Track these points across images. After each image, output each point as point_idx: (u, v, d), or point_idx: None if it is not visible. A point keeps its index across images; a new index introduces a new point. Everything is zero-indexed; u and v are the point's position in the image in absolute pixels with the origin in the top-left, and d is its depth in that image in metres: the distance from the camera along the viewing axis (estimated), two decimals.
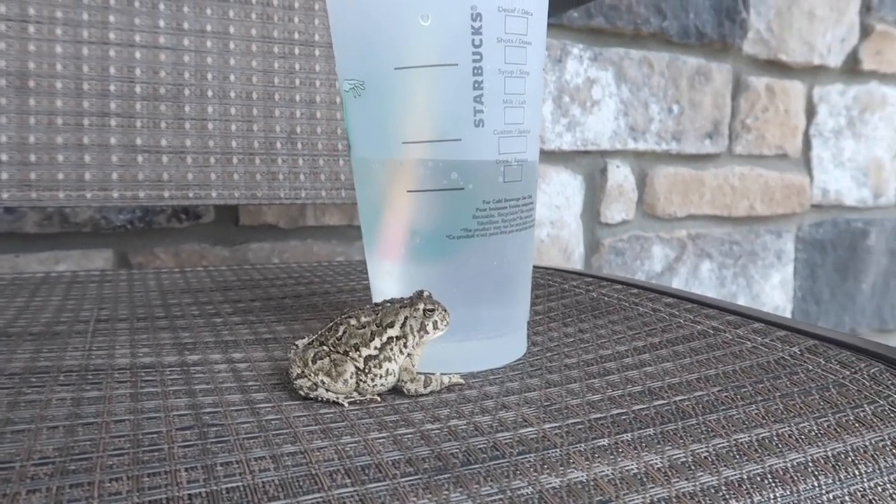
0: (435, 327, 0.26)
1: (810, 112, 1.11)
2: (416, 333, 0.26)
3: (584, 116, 0.94)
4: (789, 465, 0.21)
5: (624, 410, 0.24)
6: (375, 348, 0.25)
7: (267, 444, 0.21)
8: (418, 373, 0.26)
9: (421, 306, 0.26)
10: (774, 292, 1.12)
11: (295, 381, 0.25)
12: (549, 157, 0.93)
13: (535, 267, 0.50)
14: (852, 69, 1.13)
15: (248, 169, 0.58)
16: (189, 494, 0.18)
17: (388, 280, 0.30)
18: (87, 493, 0.18)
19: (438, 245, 0.28)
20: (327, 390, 0.25)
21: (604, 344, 0.32)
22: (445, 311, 0.26)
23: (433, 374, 0.26)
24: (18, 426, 0.22)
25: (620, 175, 0.98)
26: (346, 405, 0.25)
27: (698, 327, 0.33)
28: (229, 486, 0.19)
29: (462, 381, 0.27)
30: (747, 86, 1.05)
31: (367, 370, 0.25)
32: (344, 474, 0.20)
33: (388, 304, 0.26)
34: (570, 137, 0.93)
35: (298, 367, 0.25)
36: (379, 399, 0.25)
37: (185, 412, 0.24)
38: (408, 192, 0.28)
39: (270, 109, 0.59)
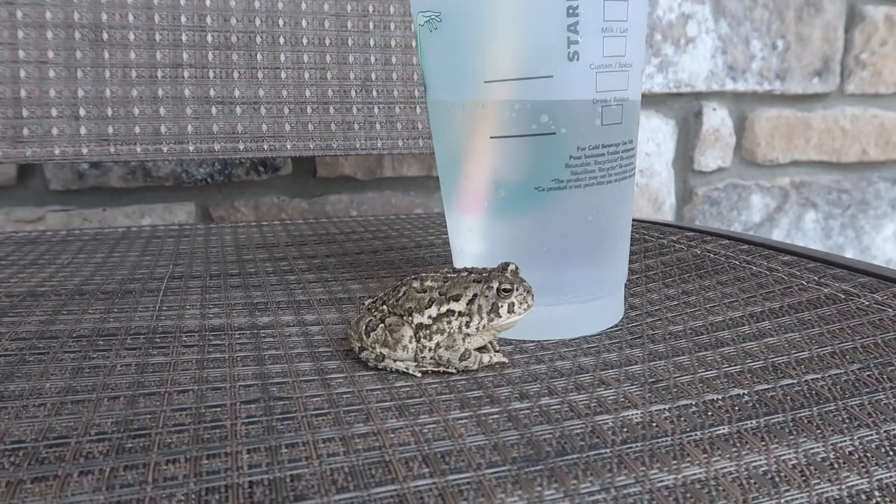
0: (510, 311, 0.22)
1: None
2: (484, 315, 0.22)
3: (677, 55, 0.87)
4: None
5: (745, 391, 0.21)
6: (430, 317, 0.22)
7: (337, 422, 0.19)
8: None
9: (495, 285, 0.22)
10: (887, 244, 1.03)
11: (360, 356, 0.23)
12: None
13: None
14: None
15: (323, 119, 0.56)
16: (250, 482, 0.16)
17: (469, 238, 0.27)
18: (141, 477, 0.16)
19: (526, 198, 0.25)
20: (395, 360, 0.22)
21: (713, 309, 0.28)
22: (528, 292, 0.23)
23: (475, 352, 0.23)
24: (79, 395, 0.21)
25: (717, 118, 0.91)
26: (419, 375, 0.22)
27: (825, 290, 0.29)
28: (294, 472, 0.17)
29: (506, 360, 0.24)
30: (863, 16, 0.94)
31: (417, 338, 0.22)
32: (421, 462, 0.17)
33: (464, 274, 0.23)
34: (661, 79, 0.87)
35: (356, 341, 0.23)
36: (455, 372, 0.23)
37: (252, 382, 0.22)
38: (491, 138, 0.25)
39: (344, 56, 0.56)
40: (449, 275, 0.24)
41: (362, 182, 0.78)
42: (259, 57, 0.54)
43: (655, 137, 0.89)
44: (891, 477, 0.17)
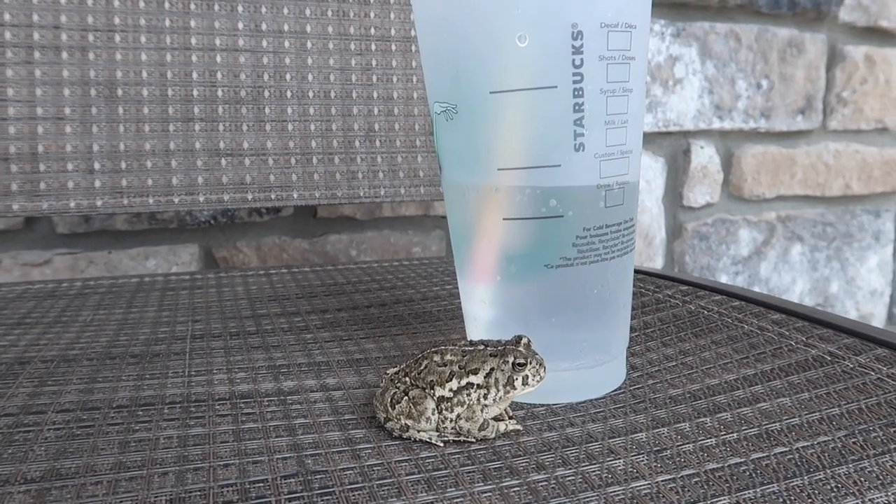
0: (524, 383, 0.24)
1: None
2: (500, 387, 0.24)
3: (665, 96, 0.90)
4: None
5: (742, 460, 0.23)
6: (451, 390, 0.24)
7: (372, 497, 0.21)
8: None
9: (510, 359, 0.24)
10: (871, 275, 1.06)
11: (385, 426, 0.25)
12: None
13: None
14: None
15: (328, 169, 0.58)
16: None
17: (481, 306, 0.29)
18: None
19: (536, 274, 0.27)
20: (418, 431, 0.24)
21: (710, 371, 0.30)
22: (541, 365, 0.24)
23: (492, 422, 0.25)
24: (131, 472, 0.22)
25: (705, 156, 0.94)
26: (441, 445, 0.24)
27: (812, 352, 0.31)
28: None
29: (520, 427, 0.25)
30: (844, 56, 0.98)
31: (439, 410, 0.24)
32: None
33: (481, 348, 0.25)
34: (650, 118, 0.90)
35: (382, 412, 0.25)
36: (474, 441, 0.25)
37: (288, 455, 0.24)
38: (504, 219, 0.27)
39: (348, 108, 0.59)
40: (466, 349, 0.26)
41: (361, 222, 0.80)
42: (267, 110, 0.56)
43: (645, 175, 0.91)
44: None
